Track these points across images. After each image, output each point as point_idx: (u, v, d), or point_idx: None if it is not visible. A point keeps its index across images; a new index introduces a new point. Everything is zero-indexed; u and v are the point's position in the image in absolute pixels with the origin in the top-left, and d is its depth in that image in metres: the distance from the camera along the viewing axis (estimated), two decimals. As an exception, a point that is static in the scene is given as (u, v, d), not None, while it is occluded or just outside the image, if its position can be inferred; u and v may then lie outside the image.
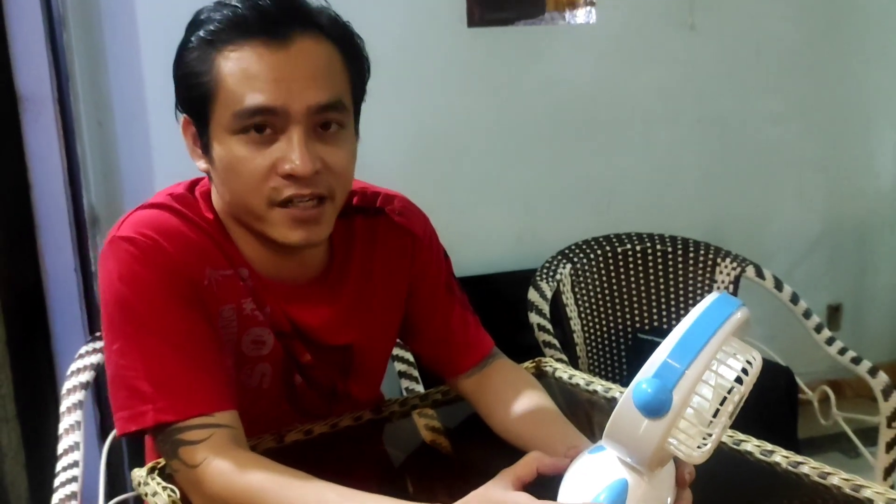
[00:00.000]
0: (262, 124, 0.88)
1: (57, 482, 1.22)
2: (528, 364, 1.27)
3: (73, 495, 1.20)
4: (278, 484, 0.82)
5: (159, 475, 0.95)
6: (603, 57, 2.43)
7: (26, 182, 1.86)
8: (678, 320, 0.73)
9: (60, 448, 1.28)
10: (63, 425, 1.32)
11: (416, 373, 1.54)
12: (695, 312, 0.72)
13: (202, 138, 0.92)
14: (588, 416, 1.17)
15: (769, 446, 1.00)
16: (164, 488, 0.91)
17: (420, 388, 1.47)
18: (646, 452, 0.71)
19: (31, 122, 1.85)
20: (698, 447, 0.69)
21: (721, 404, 0.69)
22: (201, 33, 0.89)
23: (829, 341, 1.71)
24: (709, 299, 0.74)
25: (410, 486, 1.05)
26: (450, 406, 1.18)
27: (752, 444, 1.02)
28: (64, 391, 1.37)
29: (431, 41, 2.26)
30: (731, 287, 1.88)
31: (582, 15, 2.39)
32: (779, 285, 1.82)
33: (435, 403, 1.19)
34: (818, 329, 1.73)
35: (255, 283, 0.97)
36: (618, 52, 2.44)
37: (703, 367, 0.68)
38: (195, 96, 0.90)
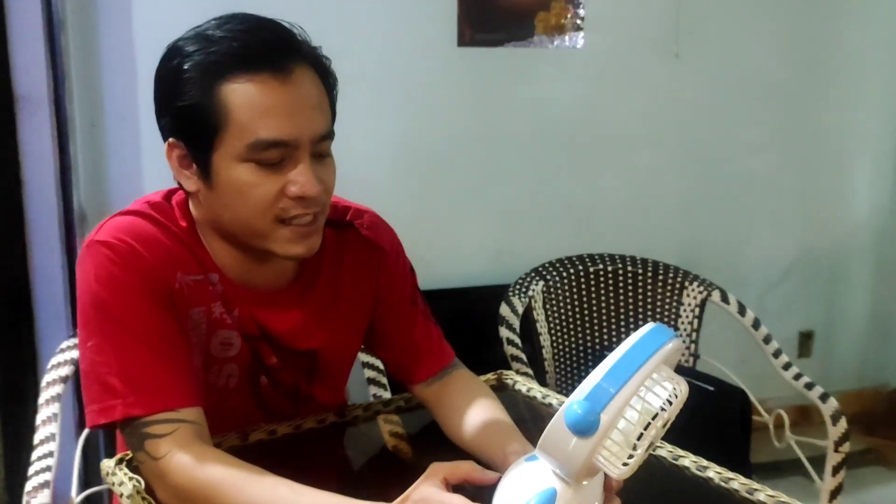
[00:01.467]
0: (276, 154, 0.94)
1: (31, 471, 1.27)
2: (490, 376, 1.32)
3: (45, 483, 1.25)
4: (236, 478, 0.88)
5: (126, 466, 0.99)
6: (588, 81, 2.49)
7: (19, 179, 1.91)
8: None
9: (36, 438, 1.33)
10: (40, 416, 1.36)
11: (384, 380, 1.59)
12: (630, 340, 0.78)
13: (198, 162, 0.97)
14: (543, 428, 1.23)
15: (704, 462, 1.06)
16: (130, 478, 0.96)
17: (388, 395, 1.53)
18: (573, 466, 0.76)
19: (27, 121, 1.90)
20: (623, 464, 0.75)
21: (645, 428, 0.75)
22: (201, 64, 0.93)
23: (786, 366, 1.76)
24: (644, 329, 0.79)
25: (367, 487, 1.10)
26: (414, 413, 1.23)
27: (688, 460, 1.07)
28: (43, 384, 1.41)
29: (421, 58, 2.31)
30: (696, 310, 1.94)
31: (570, 39, 2.45)
32: (742, 310, 1.88)
33: (398, 410, 1.25)
34: (776, 354, 1.79)
35: (225, 287, 1.03)
36: (603, 76, 2.50)
37: (631, 393, 0.74)
38: (195, 126, 0.94)
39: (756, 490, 0.98)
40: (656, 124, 2.59)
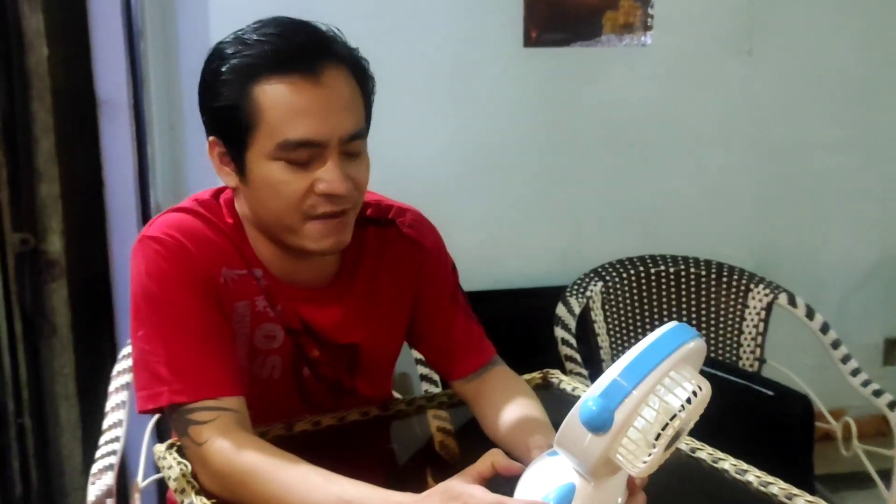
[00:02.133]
0: (304, 153, 0.97)
1: (98, 454, 1.34)
2: (535, 374, 1.32)
3: (110, 467, 1.32)
4: (271, 465, 0.91)
5: (176, 451, 1.05)
6: (658, 80, 2.45)
7: (100, 179, 2.03)
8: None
9: (105, 424, 1.41)
10: (109, 403, 1.45)
11: (437, 377, 1.62)
12: (650, 338, 0.77)
13: (235, 160, 1.02)
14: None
15: (744, 466, 1.04)
16: (178, 463, 1.01)
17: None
18: (589, 462, 0.76)
19: (108, 124, 2.01)
20: (643, 461, 0.74)
21: (664, 428, 0.74)
22: (236, 66, 0.97)
23: (855, 373, 1.70)
24: (666, 327, 0.78)
25: (409, 481, 1.11)
26: (462, 409, 1.22)
27: (728, 463, 1.05)
28: (115, 373, 1.50)
29: (487, 60, 2.33)
30: (762, 313, 1.89)
31: (639, 38, 2.43)
32: (810, 314, 1.82)
33: (441, 405, 1.26)
34: (845, 360, 1.73)
35: (269, 282, 1.07)
36: (673, 75, 2.46)
37: (647, 391, 0.73)
38: (231, 125, 0.99)
39: (795, 495, 0.96)
40: (728, 124, 2.53)
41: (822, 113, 2.57)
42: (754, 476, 1.02)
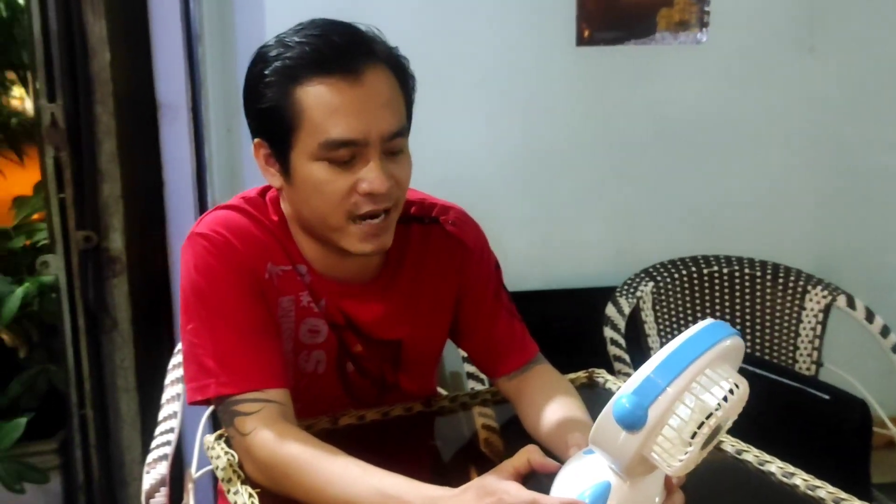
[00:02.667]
0: (346, 153, 0.99)
1: (153, 444, 1.39)
2: (581, 374, 1.32)
3: (164, 457, 1.36)
4: (311, 456, 0.93)
5: (224, 442, 1.08)
6: (714, 78, 2.41)
7: (160, 179, 2.09)
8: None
9: (160, 416, 1.45)
10: (165, 396, 1.49)
11: (483, 376, 1.61)
12: (685, 335, 0.76)
13: (280, 161, 1.04)
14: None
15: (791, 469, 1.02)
16: (226, 453, 1.04)
17: (484, 389, 1.55)
18: (624, 461, 0.76)
19: (167, 127, 2.07)
20: (679, 460, 0.73)
21: (699, 427, 0.73)
22: (278, 68, 0.99)
23: (916, 378, 1.64)
24: (702, 324, 0.77)
25: (450, 476, 1.13)
26: (506, 406, 1.23)
27: (775, 466, 1.03)
28: (170, 366, 1.55)
29: (540, 59, 2.32)
30: (820, 315, 1.84)
31: (694, 35, 2.39)
32: (870, 316, 1.77)
33: (484, 402, 1.27)
34: (905, 364, 1.67)
35: (312, 278, 1.09)
36: (730, 73, 2.42)
37: (682, 388, 0.72)
38: (275, 126, 1.01)
39: (843, 500, 0.94)
40: (788, 122, 2.47)
41: (887, 111, 2.49)
42: (801, 479, 1.00)
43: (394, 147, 1.01)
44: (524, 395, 1.13)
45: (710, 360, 0.73)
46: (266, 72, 0.99)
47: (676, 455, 0.74)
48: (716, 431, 0.75)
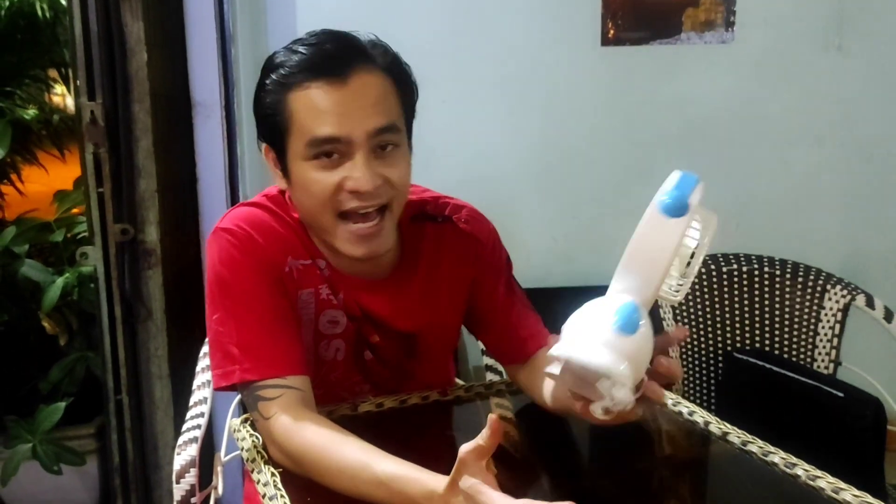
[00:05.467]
0: (331, 151, 1.04)
1: (184, 427, 1.45)
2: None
3: (194, 439, 1.41)
4: (325, 442, 0.97)
5: (250, 426, 1.14)
6: (740, 77, 2.42)
7: (194, 175, 2.16)
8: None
9: (192, 401, 1.52)
10: (196, 382, 1.55)
11: (501, 368, 1.66)
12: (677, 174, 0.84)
13: (282, 163, 1.10)
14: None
15: (818, 472, 1.04)
16: (251, 435, 1.10)
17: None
18: (664, 259, 0.81)
19: (202, 125, 2.14)
20: (676, 292, 0.84)
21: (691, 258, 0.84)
22: (275, 77, 1.05)
23: (932, 377, 1.65)
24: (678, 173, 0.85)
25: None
26: (520, 397, 1.27)
27: (793, 466, 1.06)
28: (201, 354, 1.61)
29: (564, 59, 2.35)
30: (839, 314, 1.85)
31: (720, 35, 2.40)
32: (888, 316, 1.77)
33: (499, 392, 1.31)
34: (923, 364, 1.68)
35: (331, 273, 1.14)
36: (756, 72, 2.42)
37: (700, 193, 0.82)
38: (273, 131, 1.07)
39: (842, 489, 0.96)
40: (815, 121, 2.48)
41: (915, 110, 2.48)
42: (802, 470, 1.02)
43: (382, 142, 1.04)
44: (535, 373, 1.16)
45: (701, 194, 0.83)
46: (267, 81, 1.06)
47: (675, 287, 0.84)
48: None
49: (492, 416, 0.79)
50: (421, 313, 1.19)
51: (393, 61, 1.08)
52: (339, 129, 1.02)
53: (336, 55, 1.04)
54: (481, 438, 0.79)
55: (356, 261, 1.10)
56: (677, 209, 0.81)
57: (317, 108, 1.03)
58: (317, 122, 1.02)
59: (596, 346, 0.79)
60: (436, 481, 0.85)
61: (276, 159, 1.11)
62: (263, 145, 1.13)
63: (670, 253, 0.81)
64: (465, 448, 0.79)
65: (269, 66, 1.07)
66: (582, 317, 0.83)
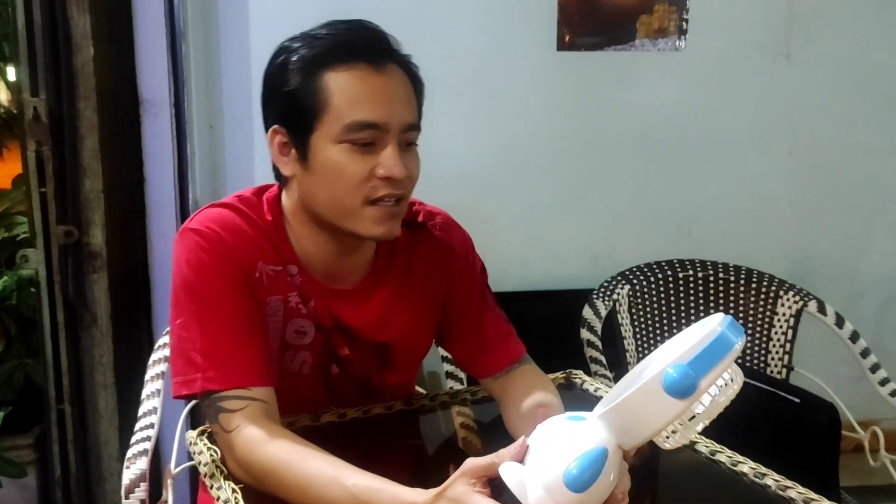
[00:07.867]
0: (368, 137, 1.02)
1: (133, 440, 1.39)
2: (558, 374, 1.34)
3: (144, 452, 1.36)
4: (291, 457, 0.94)
5: (207, 438, 1.09)
6: (693, 84, 2.45)
7: (142, 175, 2.09)
8: None
9: (140, 411, 1.46)
10: (145, 392, 1.49)
11: (462, 375, 1.64)
12: (716, 324, 0.78)
13: (297, 146, 1.05)
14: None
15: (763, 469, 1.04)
16: (209, 449, 1.05)
17: (464, 389, 1.57)
18: (652, 429, 0.76)
19: (150, 123, 2.08)
20: (667, 438, 0.79)
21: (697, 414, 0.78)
22: (306, 55, 1.03)
23: (883, 382, 1.69)
24: (722, 318, 0.79)
25: (429, 475, 1.14)
26: (483, 405, 1.26)
27: (748, 466, 1.06)
28: (150, 362, 1.55)
29: (520, 63, 2.34)
30: (791, 320, 1.88)
31: (673, 42, 2.42)
32: (840, 322, 1.81)
33: (463, 401, 1.29)
34: (874, 369, 1.72)
35: (303, 279, 1.11)
36: (708, 79, 2.45)
37: (718, 374, 0.75)
38: (297, 110, 1.03)
39: (813, 500, 0.97)
40: (765, 128, 2.52)
41: (862, 117, 2.54)
42: (773, 480, 1.03)
43: (409, 139, 1.06)
44: (508, 394, 1.15)
45: (738, 352, 0.77)
46: (292, 59, 1.04)
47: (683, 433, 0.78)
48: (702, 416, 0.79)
49: (523, 438, 0.80)
50: (394, 322, 1.17)
51: (407, 61, 1.09)
52: (379, 116, 1.02)
53: (373, 43, 1.04)
54: (496, 456, 0.79)
55: (346, 250, 1.09)
56: (682, 391, 0.74)
57: (358, 92, 1.02)
58: (358, 105, 1.01)
59: (536, 486, 0.77)
60: (409, 493, 0.84)
61: (287, 143, 1.07)
62: (273, 127, 1.08)
63: (661, 427, 0.76)
64: (475, 461, 0.80)
65: (290, 48, 1.05)
66: (549, 438, 0.80)
